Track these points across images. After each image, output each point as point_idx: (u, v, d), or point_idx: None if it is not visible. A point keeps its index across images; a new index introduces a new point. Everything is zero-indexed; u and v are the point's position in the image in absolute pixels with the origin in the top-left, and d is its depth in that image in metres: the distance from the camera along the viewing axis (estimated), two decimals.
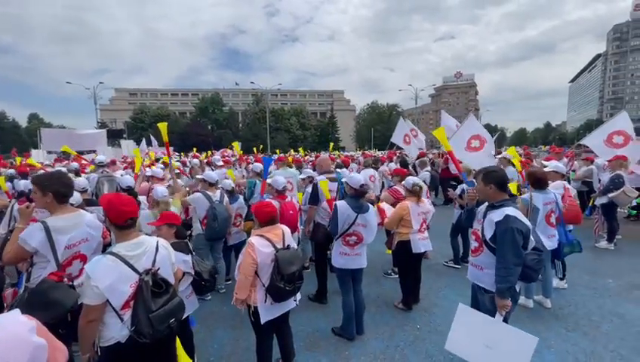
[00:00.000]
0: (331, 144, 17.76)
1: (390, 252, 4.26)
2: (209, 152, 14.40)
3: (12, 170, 6.50)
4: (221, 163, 6.61)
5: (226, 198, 4.35)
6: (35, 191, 2.30)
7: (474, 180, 2.69)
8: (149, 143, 15.31)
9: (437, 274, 5.01)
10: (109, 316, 1.81)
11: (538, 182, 3.72)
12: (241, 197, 4.88)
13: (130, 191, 4.41)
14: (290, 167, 6.12)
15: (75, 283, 2.37)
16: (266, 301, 2.41)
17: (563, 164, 5.42)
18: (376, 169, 7.61)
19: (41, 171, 5.66)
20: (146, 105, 62.33)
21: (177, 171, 6.13)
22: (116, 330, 1.82)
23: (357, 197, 3.27)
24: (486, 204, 2.50)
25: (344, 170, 5.37)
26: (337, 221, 3.16)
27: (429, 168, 8.57)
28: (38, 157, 9.54)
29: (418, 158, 8.86)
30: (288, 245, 2.52)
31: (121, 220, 1.89)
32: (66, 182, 2.34)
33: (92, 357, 1.83)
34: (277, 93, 76.15)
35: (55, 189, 2.27)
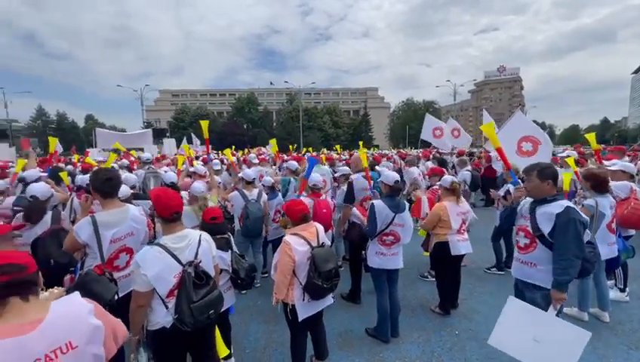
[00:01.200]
0: (361, 143, 17.53)
1: (427, 254, 4.12)
2: (245, 150, 14.84)
3: (71, 166, 7.15)
4: (257, 161, 6.78)
5: (264, 196, 4.43)
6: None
7: (519, 181, 2.60)
8: (189, 141, 16.16)
9: (477, 278, 4.77)
10: (156, 302, 1.94)
11: (601, 184, 3.39)
12: (280, 194, 4.97)
13: (173, 186, 4.65)
14: (324, 165, 6.14)
15: (120, 274, 2.53)
16: (304, 299, 2.43)
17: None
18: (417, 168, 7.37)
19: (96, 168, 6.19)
20: (187, 106, 65.68)
21: (219, 167, 6.39)
22: (162, 316, 1.94)
23: (393, 196, 3.21)
24: (528, 199, 2.53)
25: (383, 168, 5.27)
26: (375, 221, 3.12)
27: (469, 167, 8.17)
28: (94, 155, 10.45)
29: (457, 157, 8.47)
30: (322, 243, 2.52)
31: (167, 213, 2.01)
32: (107, 180, 2.45)
33: (140, 338, 1.97)
34: (310, 91, 76.65)
35: (96, 186, 2.43)
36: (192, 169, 5.59)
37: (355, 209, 3.64)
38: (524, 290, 2.51)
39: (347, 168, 5.14)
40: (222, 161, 8.26)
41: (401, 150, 23.45)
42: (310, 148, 19.38)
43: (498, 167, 8.85)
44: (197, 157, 9.71)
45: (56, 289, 1.45)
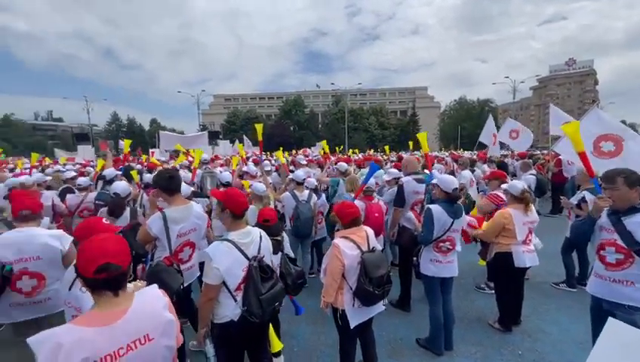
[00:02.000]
0: (411, 143, 16.82)
1: (484, 263, 3.84)
2: (293, 151, 15.21)
3: (139, 166, 7.94)
4: (305, 162, 6.91)
5: (314, 198, 4.50)
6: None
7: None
8: (241, 143, 17.02)
9: (543, 294, 4.33)
10: (224, 296, 2.04)
11: None
12: (324, 195, 5.01)
13: (228, 185, 4.92)
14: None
15: (184, 266, 2.74)
16: (354, 304, 2.40)
17: None
18: (473, 171, 6.90)
19: (160, 167, 6.81)
20: (238, 109, 69.21)
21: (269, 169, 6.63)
22: (230, 309, 2.04)
23: (451, 201, 3.03)
24: (606, 210, 2.31)
25: (434, 171, 5.04)
26: (432, 227, 2.98)
27: (533, 171, 7.47)
28: (157, 156, 11.53)
29: (518, 160, 7.79)
30: (373, 247, 2.46)
31: (239, 211, 2.14)
32: (169, 178, 2.68)
33: (207, 331, 2.10)
34: (356, 92, 76.18)
35: (161, 184, 2.68)
36: (244, 169, 5.86)
37: (410, 213, 3.51)
38: (614, 312, 2.22)
39: (395, 170, 5.00)
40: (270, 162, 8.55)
41: (454, 152, 22.20)
42: (356, 150, 19.22)
43: (570, 172, 7.97)
44: (247, 158, 10.18)
45: (139, 283, 1.60)
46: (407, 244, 3.72)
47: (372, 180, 4.02)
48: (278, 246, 2.69)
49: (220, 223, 2.48)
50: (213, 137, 22.21)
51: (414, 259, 3.35)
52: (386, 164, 9.12)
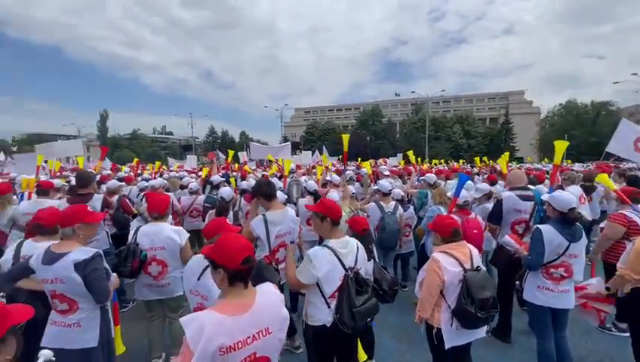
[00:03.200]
0: (506, 154, 14.97)
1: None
2: (371, 161, 15.16)
3: (235, 173, 8.90)
4: (387, 173, 6.81)
5: (400, 210, 4.42)
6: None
7: None
8: (321, 153, 17.69)
9: None
10: (319, 301, 2.13)
11: None
12: (412, 208, 4.85)
13: (315, 194, 5.14)
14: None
15: (279, 266, 2.96)
16: (452, 324, 2.26)
17: None
18: (590, 188, 5.77)
19: (251, 176, 7.54)
20: (317, 121, 72.20)
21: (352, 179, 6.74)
22: (324, 315, 2.13)
23: (568, 222, 2.63)
24: None
25: (540, 186, 4.44)
26: (542, 249, 2.63)
27: None
28: (250, 165, 12.89)
29: None
30: (478, 266, 2.29)
31: (337, 217, 2.25)
32: (267, 184, 3.04)
33: None
34: (438, 100, 72.08)
35: (261, 191, 2.99)
36: (327, 178, 6.07)
37: (507, 237, 3.14)
38: None
39: (486, 185, 4.56)
40: (339, 173, 8.66)
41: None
42: (441, 161, 18.12)
43: None
44: (326, 168, 10.49)
45: None
46: (504, 267, 3.34)
47: (464, 192, 3.74)
48: (370, 255, 2.68)
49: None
50: (295, 148, 23.64)
51: (517, 283, 2.99)
52: (477, 175, 8.38)
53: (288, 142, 17.39)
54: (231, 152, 7.85)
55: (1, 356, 0.88)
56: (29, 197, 4.58)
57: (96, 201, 3.97)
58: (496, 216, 3.60)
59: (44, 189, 4.19)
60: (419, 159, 15.36)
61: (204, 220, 5.04)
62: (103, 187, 5.35)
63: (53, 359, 1.24)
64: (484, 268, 2.34)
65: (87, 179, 4.07)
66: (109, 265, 2.35)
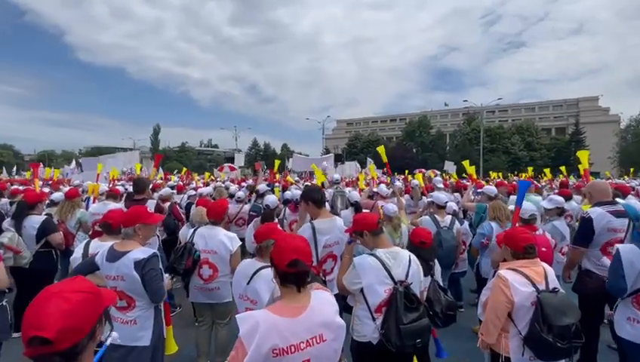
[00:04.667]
0: (563, 168, 13.50)
1: None
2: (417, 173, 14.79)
3: (278, 184, 9.17)
4: (441, 185, 6.56)
5: (457, 224, 4.22)
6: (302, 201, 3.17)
7: None
8: (363, 165, 17.62)
9: None
10: (364, 315, 2.09)
11: None
12: (467, 223, 4.59)
13: (356, 205, 5.07)
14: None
15: (327, 278, 2.93)
16: (523, 354, 2.06)
17: None
18: None
19: (294, 186, 7.72)
20: (359, 133, 72.24)
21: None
22: (369, 331, 2.07)
23: None
24: None
25: (632, 199, 3.94)
26: (622, 272, 2.33)
27: None
28: (293, 176, 13.30)
29: None
30: (554, 288, 2.07)
31: (374, 226, 2.22)
32: (317, 191, 3.09)
33: None
34: (494, 109, 68.41)
35: (311, 197, 3.00)
36: (375, 189, 6.00)
37: (605, 258, 2.82)
38: None
39: (560, 198, 4.13)
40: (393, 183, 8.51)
41: None
42: (499, 173, 17.01)
43: None
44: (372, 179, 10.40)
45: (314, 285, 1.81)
46: (591, 293, 2.97)
47: (529, 205, 3.44)
48: (428, 270, 2.57)
49: None
50: (337, 160, 23.84)
51: (607, 313, 2.65)
52: (544, 188, 7.72)
53: (331, 154, 17.60)
54: (277, 162, 8.20)
55: (96, 339, 0.95)
56: (94, 202, 5.12)
57: (150, 206, 4.32)
58: (584, 237, 3.18)
59: (114, 194, 4.70)
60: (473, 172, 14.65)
61: None
62: (155, 194, 5.81)
63: (119, 341, 1.31)
64: (562, 291, 2.11)
65: (143, 185, 4.47)
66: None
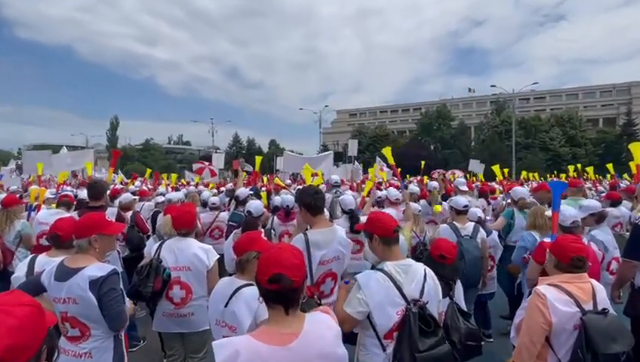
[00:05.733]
0: (610, 165, 13.58)
1: None
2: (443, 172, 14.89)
3: (265, 188, 9.20)
4: (465, 187, 6.60)
5: (482, 233, 4.27)
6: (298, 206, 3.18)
7: None
8: (369, 165, 17.63)
9: None
10: (371, 343, 2.12)
11: None
12: (495, 233, 4.64)
13: (351, 214, 4.93)
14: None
15: (325, 301, 2.95)
16: None
17: None
18: None
19: (284, 191, 7.74)
20: (365, 126, 72.56)
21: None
22: (378, 361, 2.08)
23: None
24: None
25: None
26: None
27: None
28: (284, 178, 13.30)
29: None
30: (604, 309, 2.11)
31: (390, 232, 2.21)
32: (315, 194, 3.03)
33: None
34: (528, 96, 69.17)
35: (306, 202, 2.99)
36: (379, 194, 6.08)
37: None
38: None
39: (596, 203, 4.21)
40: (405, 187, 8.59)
41: None
42: (535, 174, 17.12)
43: None
44: (380, 183, 10.45)
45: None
46: None
47: (570, 210, 3.49)
48: (447, 291, 2.60)
49: None
50: (338, 159, 23.90)
51: None
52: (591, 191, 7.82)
53: (330, 152, 17.63)
54: (258, 159, 8.11)
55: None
56: (38, 210, 5.11)
57: (110, 215, 4.32)
58: (636, 248, 3.25)
59: (67, 201, 4.77)
60: (505, 171, 14.70)
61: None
62: (115, 202, 5.81)
63: None
64: (613, 313, 2.15)
65: (100, 190, 4.47)
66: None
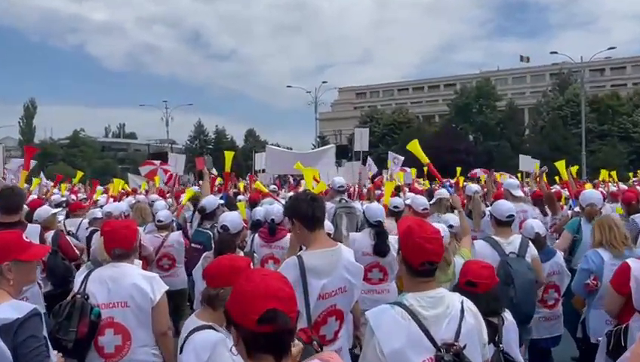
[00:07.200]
0: None
1: None
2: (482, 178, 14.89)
3: (242, 197, 9.24)
4: (520, 192, 6.69)
5: (532, 249, 4.29)
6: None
7: None
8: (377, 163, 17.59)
9: None
10: None
11: None
12: (559, 253, 4.68)
13: (378, 227, 5.06)
14: None
15: (328, 349, 2.95)
16: None
17: None
18: None
19: (268, 200, 7.76)
20: (377, 109, 72.51)
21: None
22: None
23: None
24: None
25: None
26: None
27: None
28: (266, 181, 13.30)
29: None
30: None
31: (416, 262, 2.16)
32: (311, 200, 3.01)
33: None
34: (603, 66, 69.67)
35: (299, 212, 2.95)
36: (407, 202, 6.11)
37: None
38: None
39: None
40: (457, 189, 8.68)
41: None
42: (613, 172, 17.19)
43: None
44: (398, 188, 10.50)
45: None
46: None
47: None
48: (492, 335, 2.61)
49: None
50: (342, 155, 23.94)
51: None
52: None
53: (331, 145, 17.65)
54: (229, 155, 8.09)
55: None
56: None
57: (31, 235, 4.29)
58: None
59: None
60: (572, 169, 14.72)
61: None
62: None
63: None
64: None
65: (17, 200, 4.45)
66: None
